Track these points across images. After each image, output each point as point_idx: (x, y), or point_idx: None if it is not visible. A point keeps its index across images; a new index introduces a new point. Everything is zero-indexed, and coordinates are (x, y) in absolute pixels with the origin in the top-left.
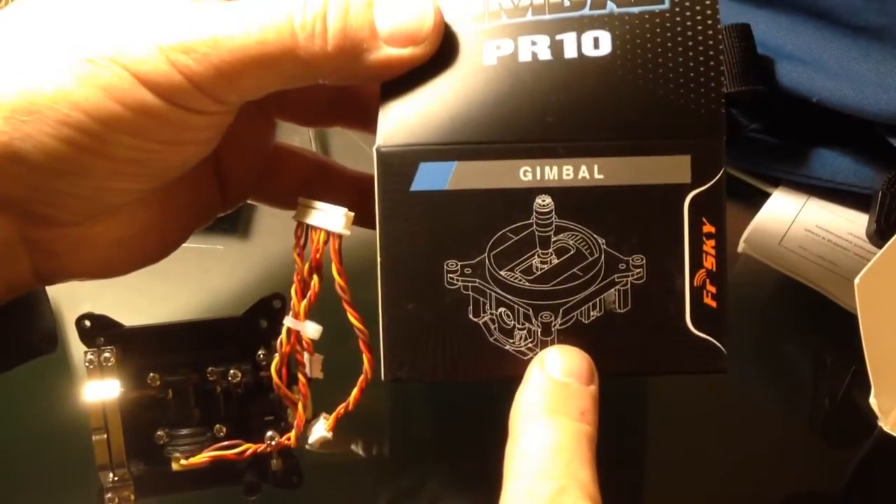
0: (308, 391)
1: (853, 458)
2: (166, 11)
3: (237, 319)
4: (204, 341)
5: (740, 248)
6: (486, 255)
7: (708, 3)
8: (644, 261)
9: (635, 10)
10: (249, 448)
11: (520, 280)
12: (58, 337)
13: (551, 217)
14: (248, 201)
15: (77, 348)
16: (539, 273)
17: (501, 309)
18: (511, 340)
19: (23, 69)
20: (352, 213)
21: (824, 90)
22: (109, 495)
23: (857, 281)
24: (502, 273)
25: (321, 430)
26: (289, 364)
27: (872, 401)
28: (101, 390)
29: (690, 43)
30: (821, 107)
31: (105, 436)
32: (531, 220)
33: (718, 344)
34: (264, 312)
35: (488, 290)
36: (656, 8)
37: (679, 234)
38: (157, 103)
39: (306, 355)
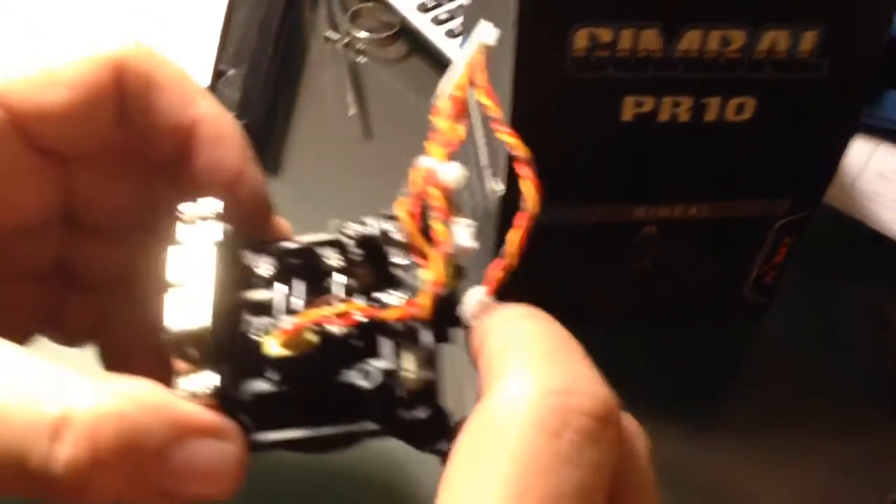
0: (450, 243)
1: None
2: None
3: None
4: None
5: None
6: None
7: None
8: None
9: (792, 76)
10: (360, 311)
11: None
12: None
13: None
14: None
15: None
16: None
17: None
18: None
19: None
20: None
21: None
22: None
23: None
24: None
25: (479, 293)
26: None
27: None
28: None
29: (830, 110)
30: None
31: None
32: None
33: (766, 301)
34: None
35: None
36: (814, 75)
37: (760, 244)
38: None
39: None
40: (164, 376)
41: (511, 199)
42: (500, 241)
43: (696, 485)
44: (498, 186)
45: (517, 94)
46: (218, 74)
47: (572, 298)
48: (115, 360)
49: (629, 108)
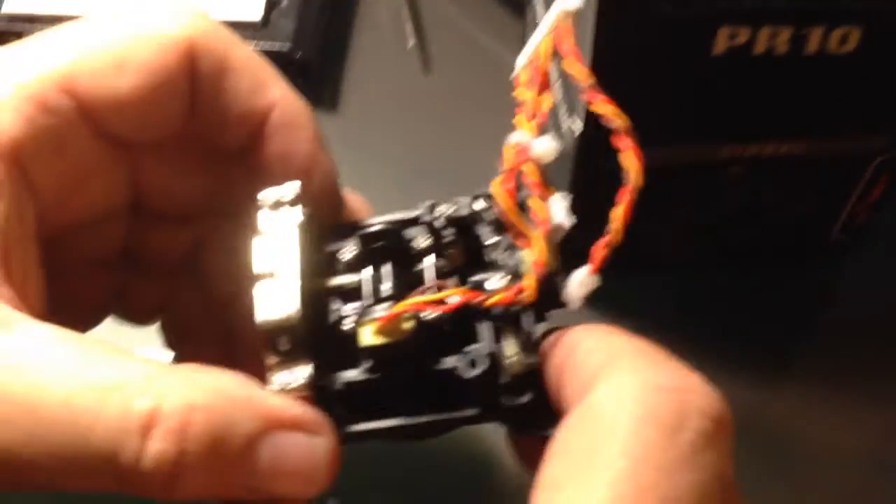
0: (550, 220)
1: None
2: None
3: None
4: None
5: None
6: None
7: None
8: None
9: None
10: (464, 297)
11: None
12: None
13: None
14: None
15: None
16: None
17: None
18: None
19: None
20: None
21: None
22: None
23: None
24: None
25: (582, 273)
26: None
27: None
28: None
29: None
30: None
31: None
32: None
33: (853, 242)
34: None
35: None
36: None
37: (857, 182)
38: None
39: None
40: (228, 359)
41: (589, 138)
42: (576, 183)
43: (763, 430)
44: (575, 125)
45: (600, 26)
46: (271, 5)
47: (650, 241)
48: (179, 340)
49: (722, 41)
